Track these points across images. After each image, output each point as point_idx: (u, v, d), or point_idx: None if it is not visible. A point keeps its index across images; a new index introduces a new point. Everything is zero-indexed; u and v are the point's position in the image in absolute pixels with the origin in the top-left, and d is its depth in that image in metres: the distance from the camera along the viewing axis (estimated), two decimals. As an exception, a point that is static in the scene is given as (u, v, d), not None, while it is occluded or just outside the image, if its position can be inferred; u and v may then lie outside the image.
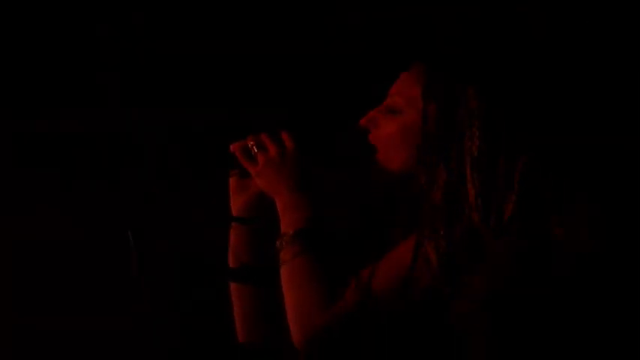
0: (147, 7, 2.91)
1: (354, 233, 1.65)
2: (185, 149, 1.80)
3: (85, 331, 2.85)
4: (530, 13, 2.89)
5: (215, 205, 1.76)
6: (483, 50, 2.86)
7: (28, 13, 2.89)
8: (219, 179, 1.74)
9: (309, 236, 1.55)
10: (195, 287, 2.45)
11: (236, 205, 1.73)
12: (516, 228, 1.48)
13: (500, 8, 2.89)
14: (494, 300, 1.45)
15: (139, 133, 2.73)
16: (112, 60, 2.86)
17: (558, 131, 2.84)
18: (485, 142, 1.53)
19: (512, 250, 1.46)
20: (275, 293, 1.64)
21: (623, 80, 2.86)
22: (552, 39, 2.89)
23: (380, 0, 2.91)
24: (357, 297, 1.50)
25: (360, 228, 1.67)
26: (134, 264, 1.63)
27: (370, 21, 2.92)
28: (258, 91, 2.82)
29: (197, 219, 2.63)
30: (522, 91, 1.62)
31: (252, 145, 1.64)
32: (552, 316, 1.47)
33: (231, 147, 1.67)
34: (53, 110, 2.89)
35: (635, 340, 1.52)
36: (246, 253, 1.72)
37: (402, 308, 1.48)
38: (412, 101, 1.63)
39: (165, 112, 2.84)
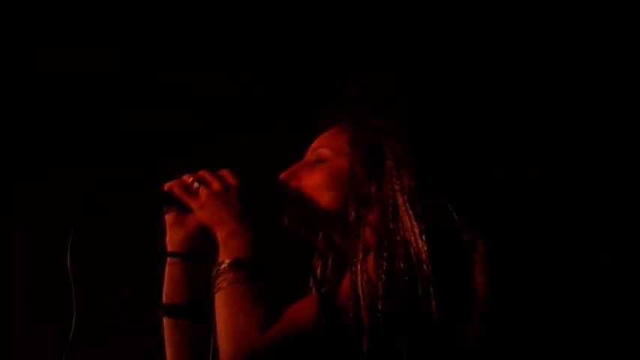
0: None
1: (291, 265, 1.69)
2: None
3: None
4: (530, 13, 2.90)
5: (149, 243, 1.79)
6: (482, 49, 2.88)
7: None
8: (153, 217, 1.76)
9: (248, 265, 1.60)
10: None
11: (172, 240, 1.75)
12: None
13: (500, 8, 2.90)
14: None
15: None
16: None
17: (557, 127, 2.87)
18: (414, 179, 1.61)
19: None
20: (208, 329, 1.68)
21: (622, 81, 2.87)
22: (552, 39, 2.90)
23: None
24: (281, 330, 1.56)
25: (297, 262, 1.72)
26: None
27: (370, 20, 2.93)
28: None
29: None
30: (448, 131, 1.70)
31: (192, 181, 1.69)
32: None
33: (166, 185, 1.71)
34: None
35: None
36: (181, 289, 1.74)
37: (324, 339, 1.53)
38: (338, 150, 1.70)
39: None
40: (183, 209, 1.71)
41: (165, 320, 1.74)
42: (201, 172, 1.71)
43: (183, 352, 1.73)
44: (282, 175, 1.74)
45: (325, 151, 1.72)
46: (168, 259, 1.75)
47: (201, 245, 1.73)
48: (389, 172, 1.63)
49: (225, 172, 1.70)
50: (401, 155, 1.63)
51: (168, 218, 1.75)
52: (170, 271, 1.74)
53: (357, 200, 1.62)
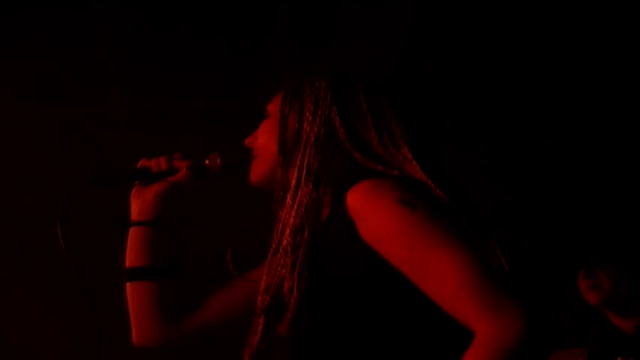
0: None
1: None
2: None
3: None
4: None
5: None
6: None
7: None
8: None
9: None
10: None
11: (135, 210, 1.89)
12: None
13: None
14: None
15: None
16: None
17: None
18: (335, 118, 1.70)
19: None
20: (170, 290, 1.84)
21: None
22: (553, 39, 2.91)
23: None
24: None
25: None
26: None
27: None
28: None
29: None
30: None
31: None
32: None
33: (140, 163, 1.89)
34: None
35: None
36: (143, 253, 1.85)
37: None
38: (276, 105, 1.78)
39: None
40: (147, 182, 1.87)
41: (128, 285, 1.86)
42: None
43: (145, 318, 1.83)
44: (246, 140, 1.84)
45: (271, 107, 1.80)
46: (131, 228, 1.87)
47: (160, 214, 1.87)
48: (308, 112, 1.71)
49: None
50: (322, 95, 1.71)
51: (134, 191, 1.88)
52: (132, 238, 1.86)
53: (283, 141, 1.72)
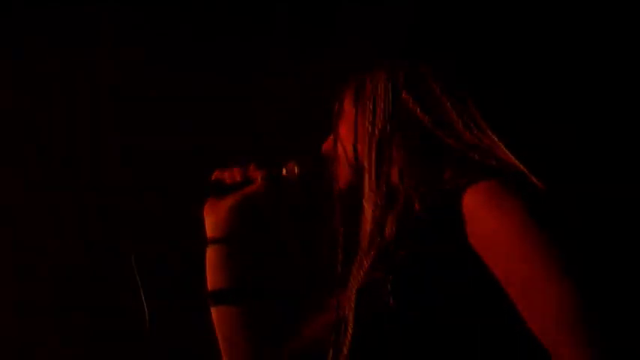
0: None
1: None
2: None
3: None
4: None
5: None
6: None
7: None
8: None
9: None
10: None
11: (210, 226, 1.76)
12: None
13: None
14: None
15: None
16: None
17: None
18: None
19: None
20: (259, 313, 1.70)
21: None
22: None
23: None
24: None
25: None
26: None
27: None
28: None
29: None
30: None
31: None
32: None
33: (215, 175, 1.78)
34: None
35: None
36: (223, 274, 1.73)
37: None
38: (348, 104, 1.68)
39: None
40: (220, 196, 1.74)
41: (213, 310, 1.73)
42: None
43: (233, 342, 1.71)
44: (323, 146, 1.74)
45: (339, 106, 1.69)
46: (208, 247, 1.75)
47: (237, 231, 1.74)
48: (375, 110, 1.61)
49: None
50: (390, 87, 1.60)
51: (206, 207, 1.76)
52: (210, 258, 1.74)
53: (365, 143, 1.61)
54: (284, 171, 1.74)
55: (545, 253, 1.40)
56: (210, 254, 1.73)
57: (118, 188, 2.86)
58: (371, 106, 1.60)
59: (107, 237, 2.83)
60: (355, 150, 1.61)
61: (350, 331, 1.52)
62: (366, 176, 1.58)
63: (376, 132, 1.58)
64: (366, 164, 1.58)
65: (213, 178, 1.76)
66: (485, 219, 1.43)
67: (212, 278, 1.73)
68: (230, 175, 1.76)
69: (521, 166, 1.55)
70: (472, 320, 1.45)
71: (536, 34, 2.92)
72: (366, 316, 1.50)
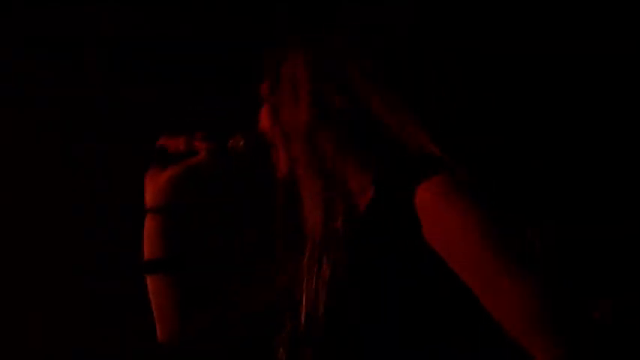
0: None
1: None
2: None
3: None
4: None
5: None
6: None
7: None
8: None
9: None
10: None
11: (149, 195, 1.72)
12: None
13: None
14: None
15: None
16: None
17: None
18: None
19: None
20: (187, 283, 1.68)
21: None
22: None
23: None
24: None
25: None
26: None
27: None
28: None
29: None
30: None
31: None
32: None
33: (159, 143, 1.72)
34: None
35: None
36: (157, 244, 1.70)
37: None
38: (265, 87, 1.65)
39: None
40: (164, 165, 1.71)
41: (147, 279, 1.71)
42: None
43: (164, 310, 1.70)
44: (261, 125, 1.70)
45: (263, 89, 1.66)
46: (146, 216, 1.72)
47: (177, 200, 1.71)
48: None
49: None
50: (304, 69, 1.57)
51: (148, 175, 1.73)
52: (147, 227, 1.71)
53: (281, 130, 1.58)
54: (229, 143, 1.68)
55: (504, 250, 1.39)
56: (148, 224, 1.70)
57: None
58: (292, 96, 1.55)
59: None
60: (286, 142, 1.56)
61: (303, 321, 1.52)
62: (300, 167, 1.54)
63: (300, 125, 1.54)
64: (297, 156, 1.54)
65: (157, 145, 1.71)
66: (443, 217, 1.41)
67: (148, 248, 1.70)
68: (174, 144, 1.70)
69: (440, 151, 1.49)
70: (431, 314, 1.44)
71: (536, 34, 2.92)
72: (322, 306, 1.49)
